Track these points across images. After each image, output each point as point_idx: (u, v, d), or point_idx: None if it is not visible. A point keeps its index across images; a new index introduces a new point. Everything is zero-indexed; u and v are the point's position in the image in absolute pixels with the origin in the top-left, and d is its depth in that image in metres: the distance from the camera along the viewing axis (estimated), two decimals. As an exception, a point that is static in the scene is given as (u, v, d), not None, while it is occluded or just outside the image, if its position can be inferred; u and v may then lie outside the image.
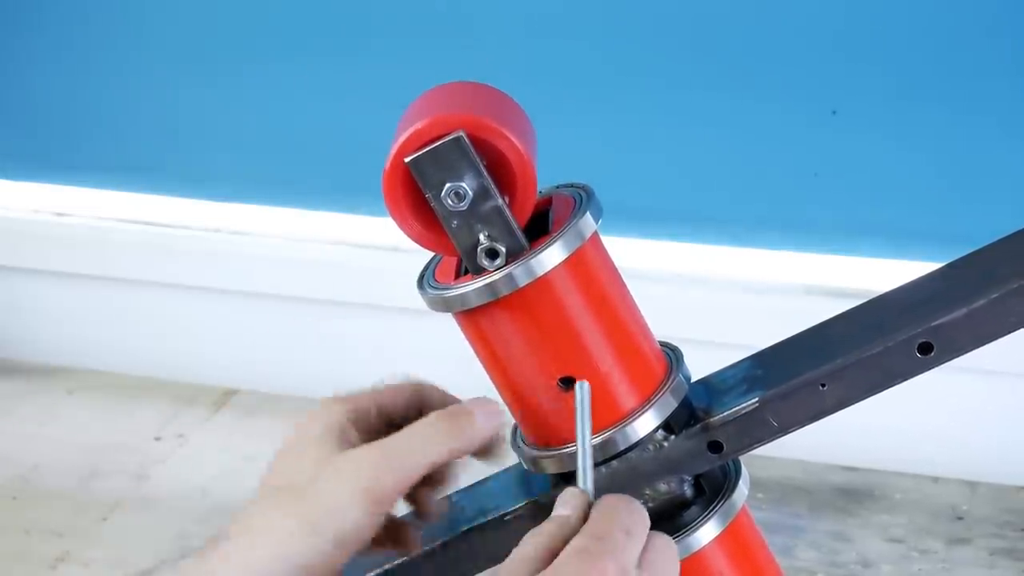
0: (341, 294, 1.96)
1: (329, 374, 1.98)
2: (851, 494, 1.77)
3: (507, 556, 0.84)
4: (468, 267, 0.81)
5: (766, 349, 0.90)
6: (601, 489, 0.79)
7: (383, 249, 1.91)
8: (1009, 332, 0.84)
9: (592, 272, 0.83)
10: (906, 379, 0.85)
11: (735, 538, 0.87)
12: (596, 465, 0.83)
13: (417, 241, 0.82)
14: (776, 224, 1.81)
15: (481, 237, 0.80)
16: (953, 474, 1.78)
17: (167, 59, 2.00)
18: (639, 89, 1.80)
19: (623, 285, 0.85)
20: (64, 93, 2.05)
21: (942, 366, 0.85)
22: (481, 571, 0.87)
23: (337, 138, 1.94)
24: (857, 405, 0.86)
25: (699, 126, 1.79)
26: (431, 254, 0.86)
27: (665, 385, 0.84)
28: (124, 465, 1.90)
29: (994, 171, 1.73)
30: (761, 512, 1.72)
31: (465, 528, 0.87)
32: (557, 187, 0.86)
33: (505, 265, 0.80)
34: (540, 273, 0.80)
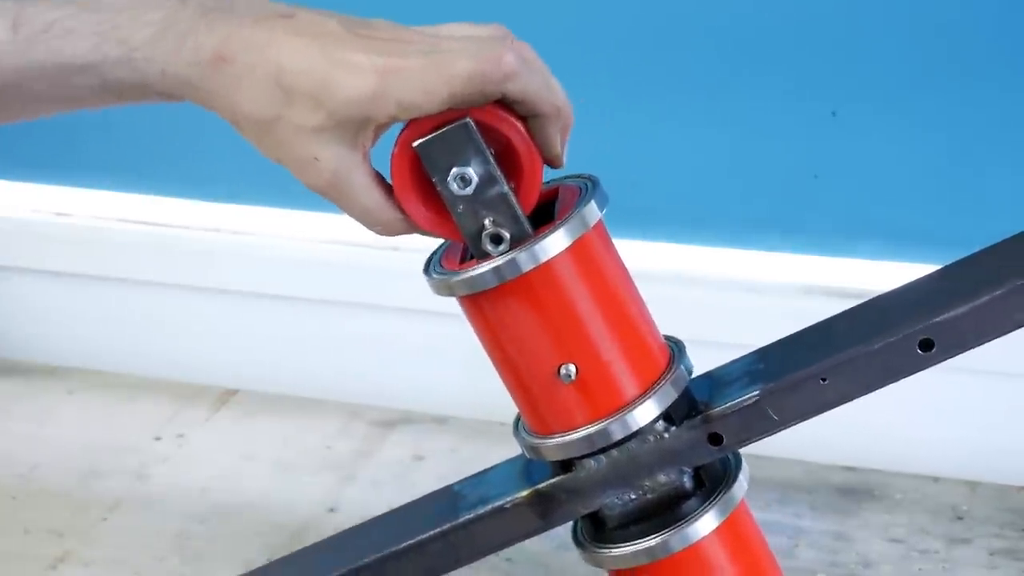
0: (341, 294, 1.96)
1: (329, 374, 1.99)
2: (851, 494, 1.77)
3: (508, 544, 0.85)
4: (473, 252, 0.82)
5: (769, 345, 0.91)
6: (602, 480, 0.79)
7: (383, 249, 1.91)
8: (1011, 330, 0.84)
9: (596, 259, 0.83)
10: (907, 375, 0.85)
11: (734, 530, 0.87)
12: (597, 453, 0.84)
13: (423, 225, 0.83)
14: (776, 225, 1.81)
15: (486, 222, 0.81)
16: (953, 474, 1.78)
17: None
18: (639, 89, 1.80)
19: (627, 274, 0.86)
20: (64, 93, 2.05)
21: (943, 366, 0.85)
22: (483, 557, 0.87)
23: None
24: (857, 404, 0.86)
25: (699, 126, 1.79)
26: (430, 254, 0.87)
27: (667, 375, 0.85)
28: (124, 465, 1.89)
29: (994, 173, 1.73)
30: (761, 512, 1.72)
31: (467, 516, 0.88)
32: (564, 179, 0.87)
33: (509, 251, 0.81)
34: (544, 259, 0.81)
